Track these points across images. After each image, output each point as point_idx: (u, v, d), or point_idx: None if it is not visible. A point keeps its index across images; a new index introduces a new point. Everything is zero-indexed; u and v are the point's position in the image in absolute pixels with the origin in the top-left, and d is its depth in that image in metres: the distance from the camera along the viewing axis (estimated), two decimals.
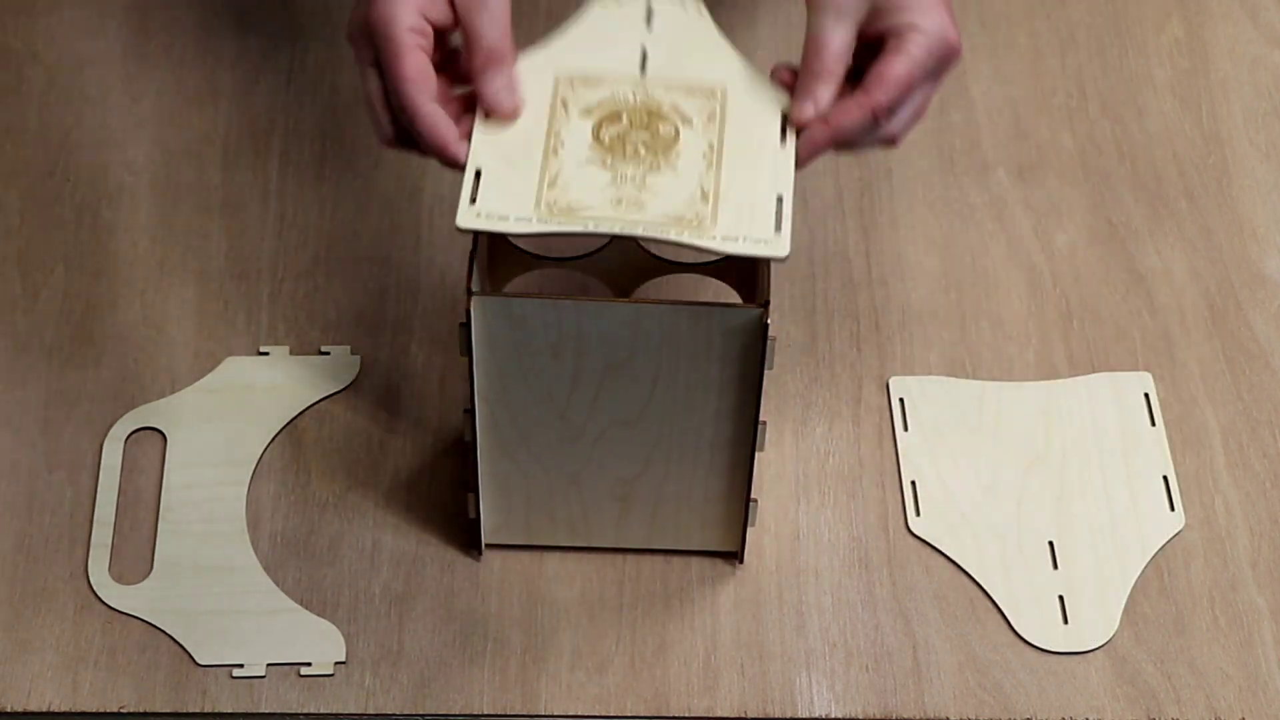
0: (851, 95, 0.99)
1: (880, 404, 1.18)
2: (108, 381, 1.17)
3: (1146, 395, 1.19)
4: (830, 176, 1.29)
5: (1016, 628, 1.09)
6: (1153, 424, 1.18)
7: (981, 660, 1.08)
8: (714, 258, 1.03)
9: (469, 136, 0.98)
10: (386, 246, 1.24)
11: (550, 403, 1.01)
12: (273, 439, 1.15)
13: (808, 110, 0.99)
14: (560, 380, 1.00)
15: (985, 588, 1.11)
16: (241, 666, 1.06)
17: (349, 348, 1.19)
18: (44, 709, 1.05)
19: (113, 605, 1.08)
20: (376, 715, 1.06)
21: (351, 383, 1.18)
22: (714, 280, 1.11)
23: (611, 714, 1.06)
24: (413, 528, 1.12)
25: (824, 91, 0.99)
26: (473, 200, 0.95)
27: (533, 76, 1.00)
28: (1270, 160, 1.31)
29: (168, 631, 1.07)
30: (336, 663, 1.07)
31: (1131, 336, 1.22)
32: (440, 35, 1.00)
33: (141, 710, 1.05)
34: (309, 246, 1.24)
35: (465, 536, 1.11)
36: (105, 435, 1.15)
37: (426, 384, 1.18)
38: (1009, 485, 1.15)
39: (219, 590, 1.09)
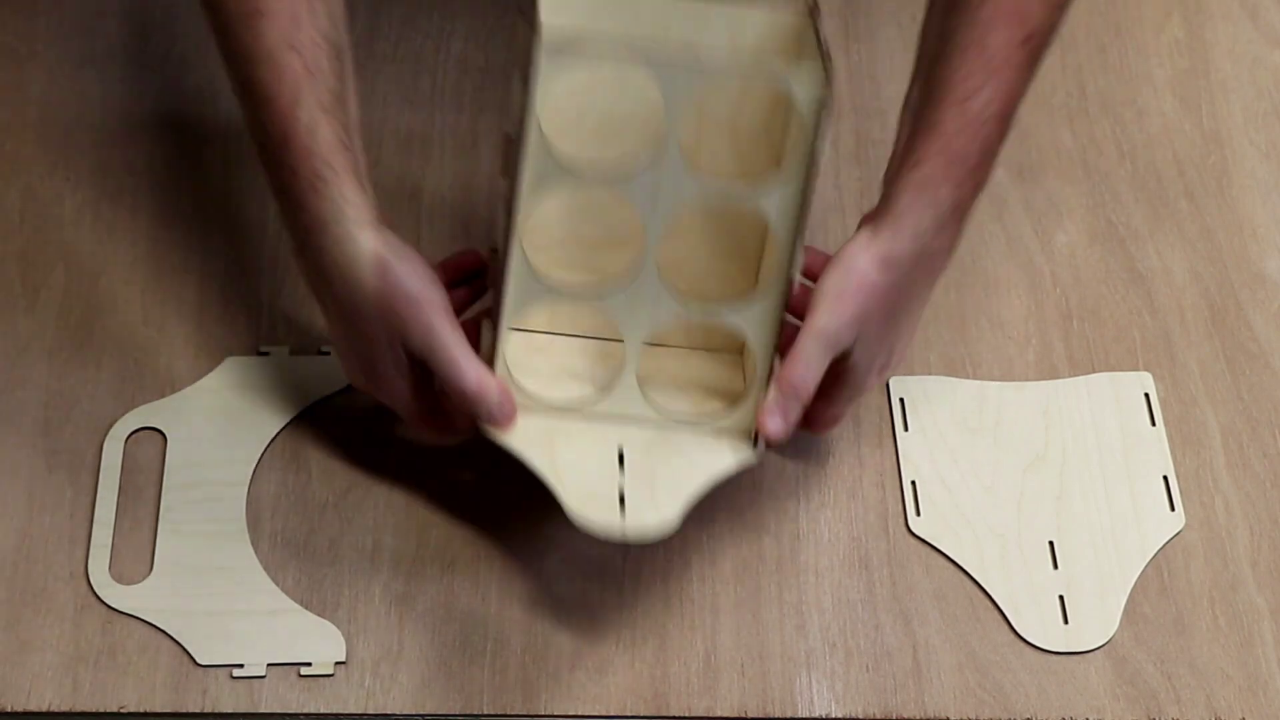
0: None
1: (880, 404, 1.18)
2: (108, 381, 1.17)
3: (1146, 395, 1.19)
4: (830, 177, 1.29)
5: (1016, 628, 1.09)
6: (1153, 424, 1.18)
7: (981, 660, 1.08)
8: None
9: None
10: None
11: None
12: (273, 439, 1.15)
13: (778, 425, 1.03)
14: None
15: (985, 588, 1.11)
16: (241, 666, 1.06)
17: None
18: (44, 709, 1.05)
19: (113, 605, 1.08)
20: (376, 715, 1.06)
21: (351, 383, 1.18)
22: None
23: (611, 714, 1.06)
24: (413, 528, 1.12)
25: (796, 413, 1.04)
26: None
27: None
28: (1270, 160, 1.31)
29: (168, 631, 1.07)
30: (336, 663, 1.07)
31: (1131, 336, 1.22)
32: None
33: (141, 710, 1.05)
34: None
35: (465, 536, 1.11)
36: (105, 435, 1.15)
37: None
38: (1009, 485, 1.15)
39: (219, 590, 1.09)
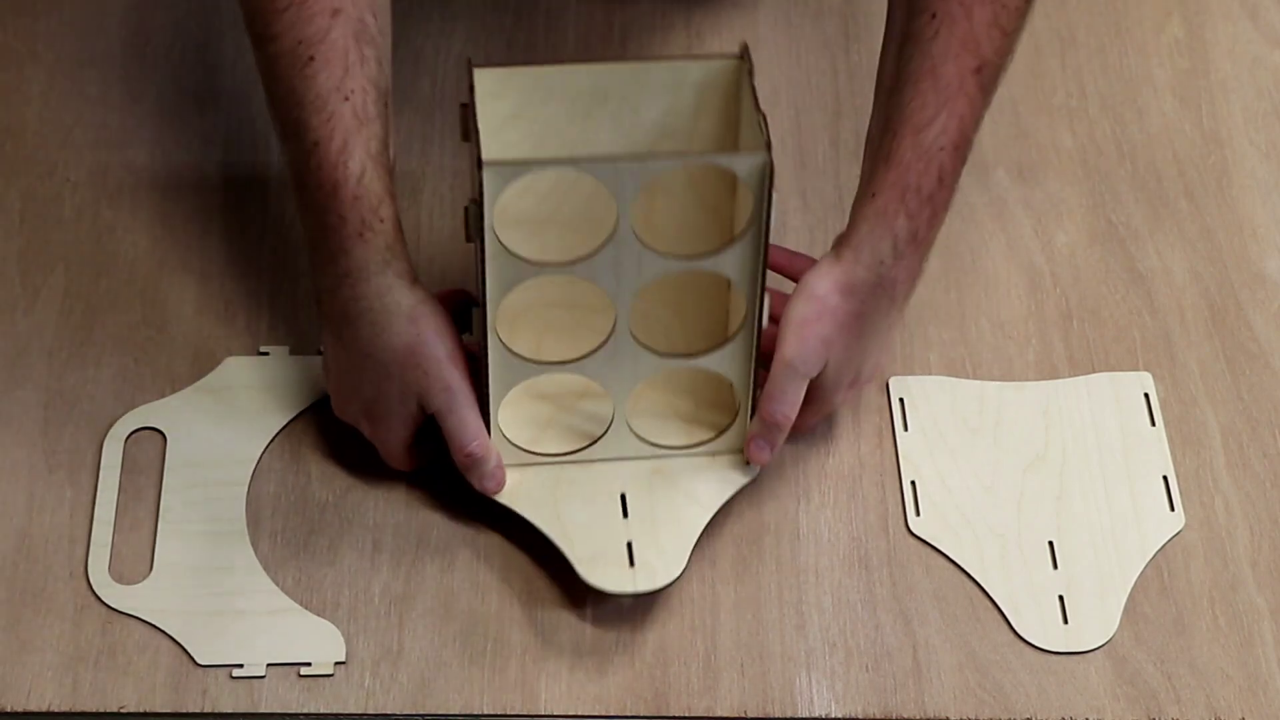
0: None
1: (880, 404, 1.18)
2: (108, 381, 1.17)
3: (1146, 395, 1.19)
4: (830, 177, 1.29)
5: (1016, 628, 1.09)
6: (1153, 424, 1.18)
7: (981, 660, 1.08)
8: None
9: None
10: None
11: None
12: (273, 439, 1.15)
13: (766, 455, 1.10)
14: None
15: (985, 588, 1.11)
16: (241, 666, 1.06)
17: None
18: (44, 709, 1.05)
19: (113, 605, 1.08)
20: (376, 715, 1.06)
21: None
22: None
23: (611, 714, 1.06)
24: (413, 528, 1.12)
25: (781, 439, 1.10)
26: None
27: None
28: (1270, 160, 1.31)
29: (168, 631, 1.07)
30: (336, 663, 1.07)
31: (1131, 336, 1.22)
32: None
33: (141, 710, 1.05)
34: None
35: (465, 536, 1.11)
36: (105, 435, 1.15)
37: None
38: (1009, 485, 1.15)
39: (219, 590, 1.09)
